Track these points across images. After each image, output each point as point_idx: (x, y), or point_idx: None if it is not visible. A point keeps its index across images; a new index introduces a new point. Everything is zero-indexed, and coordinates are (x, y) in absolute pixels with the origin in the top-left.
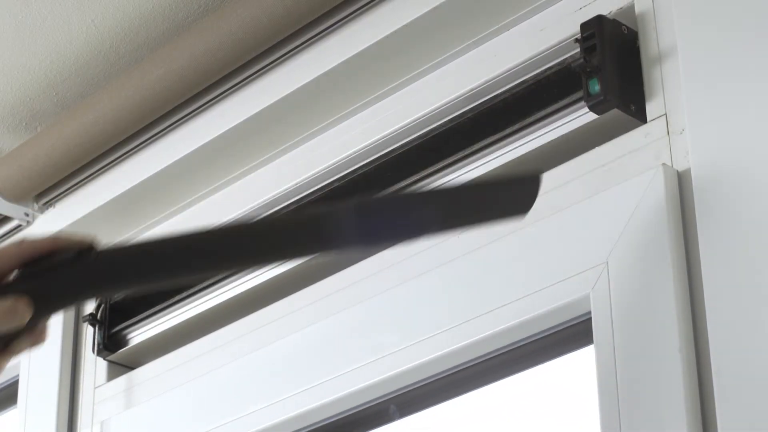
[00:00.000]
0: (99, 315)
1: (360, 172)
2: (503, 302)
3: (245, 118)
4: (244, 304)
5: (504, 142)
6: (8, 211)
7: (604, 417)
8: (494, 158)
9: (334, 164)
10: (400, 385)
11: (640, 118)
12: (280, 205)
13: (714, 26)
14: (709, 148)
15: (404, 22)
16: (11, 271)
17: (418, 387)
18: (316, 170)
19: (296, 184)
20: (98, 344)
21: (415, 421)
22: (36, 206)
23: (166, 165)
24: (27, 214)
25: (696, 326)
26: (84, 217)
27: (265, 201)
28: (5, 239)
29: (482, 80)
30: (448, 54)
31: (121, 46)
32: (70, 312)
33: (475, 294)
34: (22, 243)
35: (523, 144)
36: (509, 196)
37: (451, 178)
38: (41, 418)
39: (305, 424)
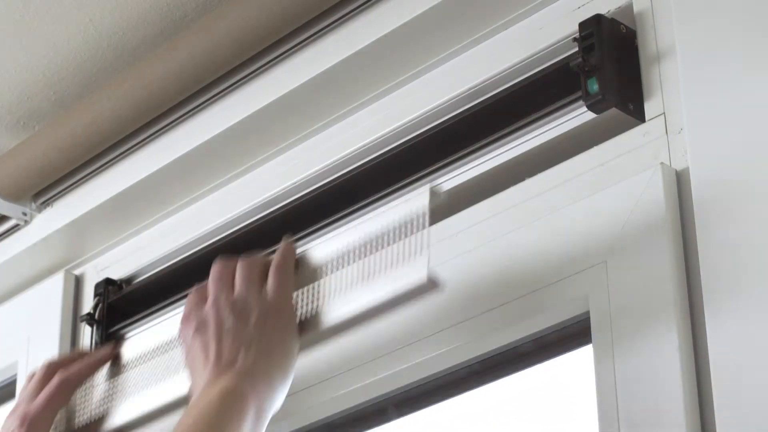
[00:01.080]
0: (97, 315)
1: (358, 171)
2: (501, 301)
3: (244, 116)
4: None
5: (502, 141)
6: (6, 211)
7: (602, 417)
8: (493, 157)
9: (331, 163)
10: (398, 384)
11: (639, 117)
12: (278, 203)
13: (713, 25)
14: (707, 147)
15: (402, 21)
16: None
17: (415, 386)
18: (315, 169)
19: (294, 183)
20: (96, 344)
21: (412, 420)
22: (34, 205)
23: (164, 164)
24: (25, 214)
25: (694, 326)
26: (82, 216)
27: (263, 200)
28: (3, 238)
29: (480, 79)
30: (446, 53)
31: (119, 45)
32: (68, 312)
33: (473, 293)
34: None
35: (522, 143)
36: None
37: (449, 177)
38: None
39: (303, 423)
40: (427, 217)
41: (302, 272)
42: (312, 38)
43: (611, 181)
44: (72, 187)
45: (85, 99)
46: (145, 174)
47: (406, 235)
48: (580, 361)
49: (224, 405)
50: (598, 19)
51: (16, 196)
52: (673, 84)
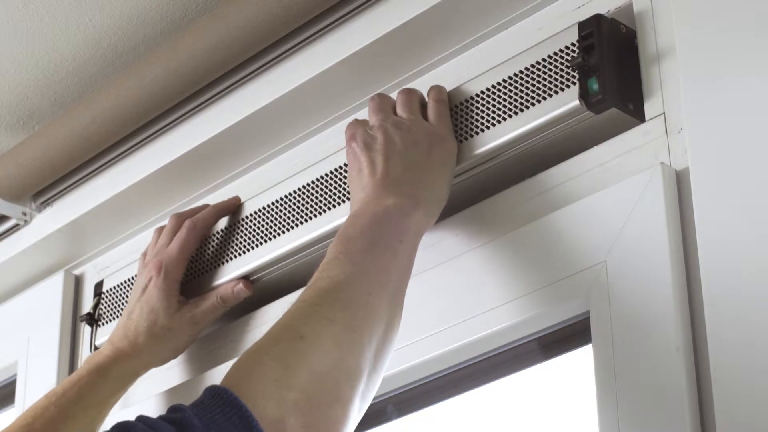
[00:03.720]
0: (96, 314)
1: None
2: (501, 301)
3: (243, 116)
4: (243, 304)
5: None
6: (6, 211)
7: (602, 416)
8: (493, 156)
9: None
10: (398, 384)
11: (639, 117)
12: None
13: (712, 25)
14: (707, 147)
15: (402, 21)
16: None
17: (415, 386)
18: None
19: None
20: (95, 344)
21: (412, 420)
22: (33, 205)
23: (163, 164)
24: (24, 213)
25: (694, 325)
26: (81, 216)
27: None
28: (3, 238)
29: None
30: (446, 53)
31: (119, 45)
32: (68, 312)
33: (473, 293)
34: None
35: (522, 142)
36: None
37: None
38: None
39: None
40: (576, 48)
41: (456, 105)
42: (311, 38)
43: (611, 181)
44: (72, 187)
45: (85, 99)
46: (145, 174)
47: (555, 67)
48: (580, 361)
49: (389, 224)
50: (598, 19)
51: (16, 196)
52: (673, 84)
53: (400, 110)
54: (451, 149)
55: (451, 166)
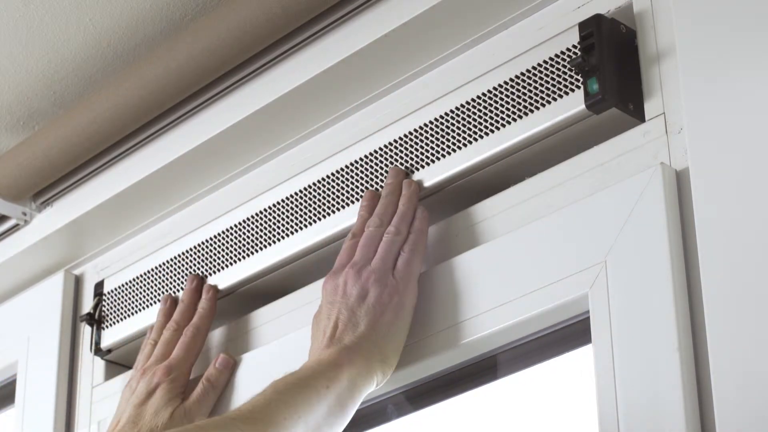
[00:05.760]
0: (96, 314)
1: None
2: (501, 301)
3: (243, 116)
4: (243, 301)
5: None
6: (6, 211)
7: (602, 416)
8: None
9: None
10: (398, 384)
11: (639, 117)
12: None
13: (712, 25)
14: (707, 146)
15: (402, 22)
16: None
17: (415, 386)
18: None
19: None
20: (96, 343)
21: (412, 420)
22: (33, 205)
23: (163, 164)
24: (25, 213)
25: (694, 325)
26: (82, 216)
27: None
28: (3, 238)
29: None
30: (446, 53)
31: (119, 45)
32: (68, 311)
33: (472, 293)
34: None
35: (524, 147)
36: None
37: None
38: (39, 417)
39: None
40: (578, 50)
41: (457, 107)
42: (312, 38)
43: (611, 181)
44: (72, 187)
45: (85, 99)
46: (145, 174)
47: (558, 69)
48: (580, 361)
49: (319, 370)
50: (598, 19)
51: (16, 196)
52: (673, 84)
53: (378, 253)
54: (405, 303)
55: (402, 324)
